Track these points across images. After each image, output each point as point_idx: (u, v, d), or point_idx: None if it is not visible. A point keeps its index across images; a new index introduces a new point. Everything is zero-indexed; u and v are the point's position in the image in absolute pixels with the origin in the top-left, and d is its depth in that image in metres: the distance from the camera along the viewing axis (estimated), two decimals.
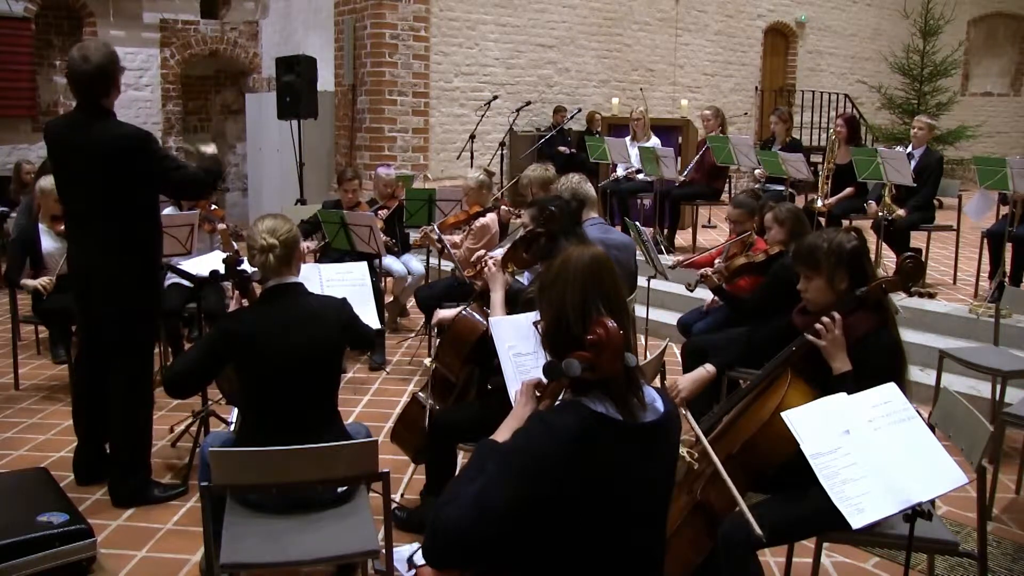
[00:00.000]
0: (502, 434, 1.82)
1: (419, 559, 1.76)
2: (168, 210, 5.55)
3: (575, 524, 1.64)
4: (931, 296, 5.88)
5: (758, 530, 2.30)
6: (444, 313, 3.57)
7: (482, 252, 3.62)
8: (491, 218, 5.53)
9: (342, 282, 3.88)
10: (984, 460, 2.56)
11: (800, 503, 2.42)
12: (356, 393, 5.06)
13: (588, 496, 1.62)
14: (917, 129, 6.50)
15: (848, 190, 6.59)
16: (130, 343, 3.56)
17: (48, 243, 5.10)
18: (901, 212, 6.10)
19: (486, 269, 3.36)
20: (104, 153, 3.36)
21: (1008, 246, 5.73)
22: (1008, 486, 3.94)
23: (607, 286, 1.73)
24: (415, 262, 6.44)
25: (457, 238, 5.69)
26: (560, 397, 1.78)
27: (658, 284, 5.41)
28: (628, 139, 7.86)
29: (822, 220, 6.17)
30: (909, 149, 6.45)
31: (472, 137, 9.32)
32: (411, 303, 6.37)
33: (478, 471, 1.69)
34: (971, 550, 2.79)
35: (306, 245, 5.93)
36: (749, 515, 2.32)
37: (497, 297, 3.26)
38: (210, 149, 4.10)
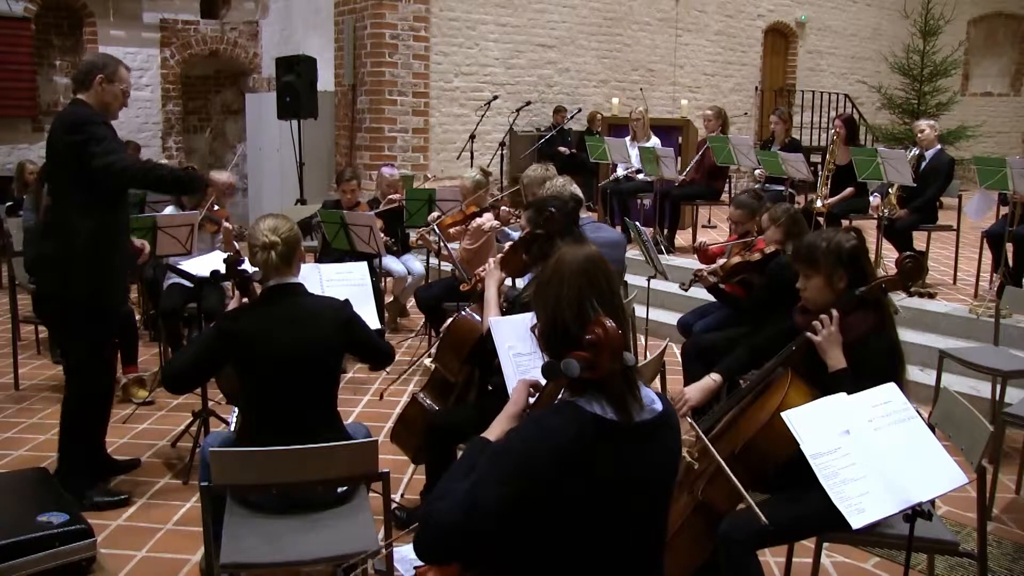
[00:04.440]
0: (493, 432, 1.81)
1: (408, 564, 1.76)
2: (168, 210, 5.54)
3: (571, 524, 1.63)
4: (931, 296, 5.89)
5: (764, 518, 2.30)
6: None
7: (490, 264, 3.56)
8: (488, 218, 5.53)
9: (342, 282, 3.87)
10: (984, 460, 2.56)
11: (800, 503, 2.42)
12: (356, 393, 5.06)
13: (583, 497, 1.62)
14: (920, 132, 6.47)
15: (848, 190, 6.60)
16: (76, 340, 3.49)
17: None
18: (902, 212, 6.10)
19: (484, 266, 3.34)
20: (52, 137, 3.40)
21: (1008, 246, 5.73)
22: (1008, 486, 3.94)
23: (602, 285, 1.72)
24: (415, 262, 6.44)
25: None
26: (557, 398, 1.78)
27: (658, 284, 5.40)
28: (628, 139, 7.86)
29: (821, 220, 6.17)
30: (917, 151, 6.43)
31: (472, 137, 9.33)
32: (411, 303, 6.37)
33: (469, 468, 1.69)
34: (971, 550, 2.79)
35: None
36: (754, 505, 2.32)
37: (491, 293, 3.24)
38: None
